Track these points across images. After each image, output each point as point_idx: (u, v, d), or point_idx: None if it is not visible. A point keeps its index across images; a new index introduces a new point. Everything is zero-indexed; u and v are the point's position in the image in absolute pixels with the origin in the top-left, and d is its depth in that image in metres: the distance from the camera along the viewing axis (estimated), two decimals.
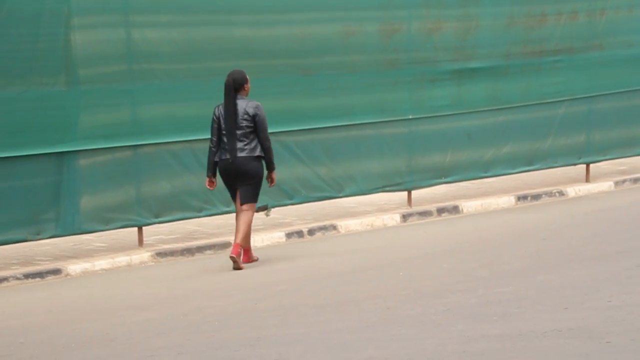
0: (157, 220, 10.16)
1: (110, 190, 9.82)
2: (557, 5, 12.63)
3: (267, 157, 9.07)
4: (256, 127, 8.95)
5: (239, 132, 8.92)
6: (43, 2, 9.35)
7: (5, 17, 9.20)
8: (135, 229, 10.11)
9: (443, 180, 12.07)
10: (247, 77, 9.15)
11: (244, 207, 9.07)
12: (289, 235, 10.61)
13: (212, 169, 9.11)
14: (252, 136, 8.96)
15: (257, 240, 10.36)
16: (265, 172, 9.19)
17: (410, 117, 11.70)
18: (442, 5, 11.76)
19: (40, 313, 8.06)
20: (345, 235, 10.79)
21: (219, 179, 9.24)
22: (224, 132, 8.98)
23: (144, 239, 10.16)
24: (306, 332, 6.70)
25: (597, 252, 8.86)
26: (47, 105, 9.44)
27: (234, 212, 10.61)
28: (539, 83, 12.64)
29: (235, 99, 9.00)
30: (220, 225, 10.87)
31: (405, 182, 11.75)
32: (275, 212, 10.82)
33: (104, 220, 9.83)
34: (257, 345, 6.45)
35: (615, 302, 6.87)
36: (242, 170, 8.97)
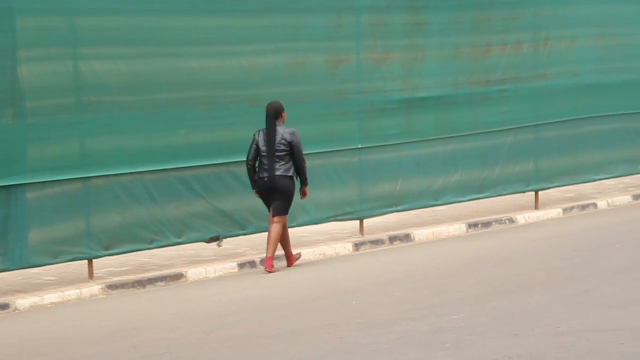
0: (107, 252, 10.07)
1: (59, 223, 9.72)
2: (502, 36, 12.81)
3: (302, 175, 10.30)
4: (293, 150, 10.19)
5: (278, 154, 10.15)
6: None
7: None
8: (86, 262, 10.00)
9: (394, 209, 12.13)
10: (284, 106, 10.28)
11: (275, 219, 10.21)
12: (241, 265, 10.57)
13: (254, 183, 10.29)
14: (287, 158, 10.19)
15: (210, 271, 10.30)
16: (299, 187, 10.32)
17: (360, 146, 11.75)
18: (389, 36, 11.87)
19: None
20: (297, 266, 10.77)
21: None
22: (263, 154, 10.17)
23: (95, 271, 10.06)
24: None
25: (547, 278, 8.94)
26: None
27: (184, 243, 10.62)
28: (487, 112, 12.79)
29: (275, 125, 10.16)
30: (172, 257, 10.80)
31: (356, 211, 11.78)
32: (227, 243, 10.78)
33: (53, 253, 9.72)
34: None
35: (564, 328, 6.93)
36: (276, 186, 10.17)
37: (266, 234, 11.29)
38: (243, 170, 10.86)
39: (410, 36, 12.05)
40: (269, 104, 10.27)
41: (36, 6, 9.54)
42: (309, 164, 11.19)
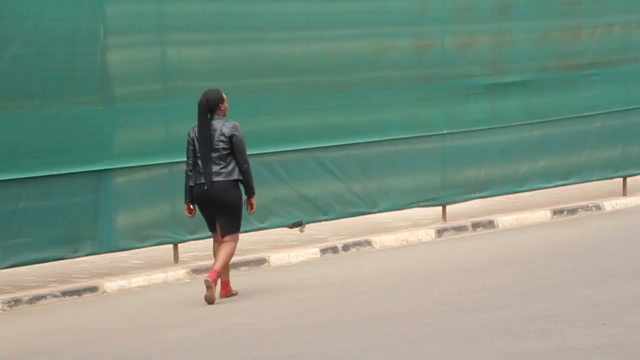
0: (192, 237, 10.20)
1: (146, 208, 9.88)
2: (592, 19, 12.57)
3: (246, 181, 8.44)
4: (233, 149, 8.36)
5: (214, 155, 8.32)
6: (79, 23, 9.46)
7: (42, 38, 9.31)
8: (171, 246, 10.15)
9: (478, 195, 12.02)
10: (224, 96, 8.58)
11: (226, 238, 8.48)
12: (323, 251, 10.60)
13: (190, 194, 8.51)
14: (229, 159, 8.36)
15: (292, 257, 10.37)
16: (245, 198, 8.58)
17: (444, 132, 11.67)
18: (475, 20, 11.75)
19: (78, 331, 8.11)
20: (379, 251, 10.77)
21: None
22: (198, 155, 8.40)
23: (180, 256, 10.21)
24: (342, 349, 6.69)
25: (635, 267, 8.78)
26: (84, 124, 9.53)
27: (267, 228, 10.62)
28: (575, 97, 12.58)
29: (210, 120, 8.41)
30: (255, 242, 10.90)
31: (439, 197, 11.71)
32: (310, 228, 10.82)
33: (140, 237, 9.88)
34: None
35: None
36: (219, 199, 8.36)
37: (348, 219, 11.31)
38: (327, 155, 10.88)
39: (497, 20, 11.90)
40: (203, 94, 8.45)
41: None
42: (392, 149, 11.16)
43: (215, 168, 8.34)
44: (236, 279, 9.76)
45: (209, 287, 8.32)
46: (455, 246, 10.80)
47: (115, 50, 9.61)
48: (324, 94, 10.77)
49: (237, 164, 8.39)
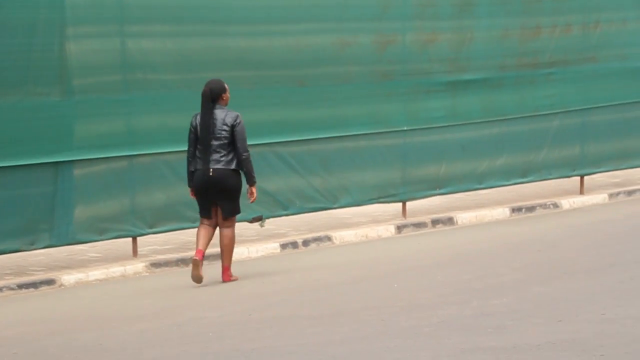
0: (151, 230, 10.15)
1: (104, 201, 9.81)
2: (551, 18, 12.67)
3: (246, 170, 8.74)
4: (234, 138, 8.67)
5: (216, 143, 8.65)
6: (37, 12, 9.35)
7: None
8: (130, 239, 10.09)
9: (437, 191, 12.09)
10: (226, 86, 8.90)
11: (226, 223, 8.84)
12: (283, 246, 10.60)
13: (192, 179, 8.87)
14: (230, 148, 8.68)
15: (252, 251, 10.35)
16: (245, 187, 8.87)
17: (405, 128, 11.71)
18: (436, 17, 11.79)
19: (34, 323, 8.04)
20: (339, 247, 10.79)
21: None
22: (199, 143, 8.74)
23: (139, 249, 10.15)
24: (301, 344, 6.70)
25: (591, 264, 8.87)
26: (42, 116, 9.43)
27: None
28: (533, 95, 12.68)
29: (212, 109, 8.74)
30: (215, 236, 10.86)
31: (399, 193, 11.75)
32: (270, 223, 10.81)
33: (99, 230, 9.81)
34: (252, 356, 6.44)
35: (609, 314, 6.87)
36: (220, 184, 8.69)
37: (308, 215, 11.32)
38: (288, 150, 10.88)
39: (458, 17, 11.96)
40: (206, 84, 8.80)
41: None
42: (353, 144, 11.18)
43: (215, 156, 8.64)
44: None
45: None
46: (415, 242, 10.85)
47: (74, 40, 9.53)
48: (285, 88, 10.76)
49: (237, 152, 8.66)
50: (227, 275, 9.01)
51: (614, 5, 13.24)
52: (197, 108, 10.18)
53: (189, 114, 10.14)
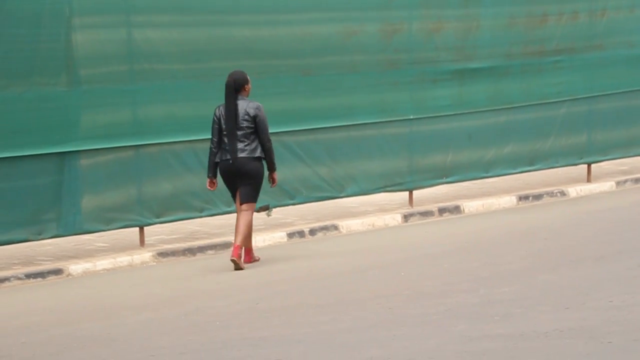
0: (158, 220, 10.16)
1: (111, 190, 9.83)
2: (558, 6, 12.63)
3: (268, 158, 9.11)
4: (257, 128, 8.99)
5: (240, 132, 8.95)
6: (44, 3, 9.36)
7: (5, 18, 9.20)
8: (137, 229, 10.11)
9: (444, 180, 12.07)
10: (248, 77, 9.21)
11: (244, 207, 9.09)
12: (290, 235, 10.61)
13: (213, 169, 9.17)
14: (252, 137, 9.00)
15: (259, 240, 10.36)
16: (267, 173, 9.24)
17: (412, 117, 11.70)
18: (442, 6, 11.76)
19: (42, 313, 8.06)
20: (346, 235, 10.79)
21: (219, 180, 9.25)
22: (224, 133, 9.00)
23: (146, 239, 10.17)
24: (308, 332, 6.70)
25: (599, 252, 8.86)
26: (49, 106, 9.44)
27: (235, 211, 10.62)
28: (540, 83, 12.64)
29: (236, 99, 9.03)
30: (222, 225, 10.87)
31: (406, 182, 11.75)
32: (277, 212, 10.81)
33: (106, 220, 9.83)
34: (259, 345, 6.45)
35: (616, 302, 6.87)
36: (242, 170, 9.00)
37: (314, 204, 11.33)
38: (294, 139, 10.87)
39: (464, 5, 11.93)
40: (229, 75, 9.08)
41: None
42: (359, 133, 11.17)
43: (239, 145, 8.96)
44: (201, 262, 9.74)
45: (236, 263, 8.99)
46: (422, 231, 10.84)
47: (80, 31, 9.53)
48: (292, 77, 10.74)
49: (261, 141, 9.00)
50: (248, 257, 9.28)
51: None
52: (202, 97, 10.19)
53: (195, 104, 10.17)
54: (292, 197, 10.94)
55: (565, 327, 6.24)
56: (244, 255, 9.26)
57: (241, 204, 9.08)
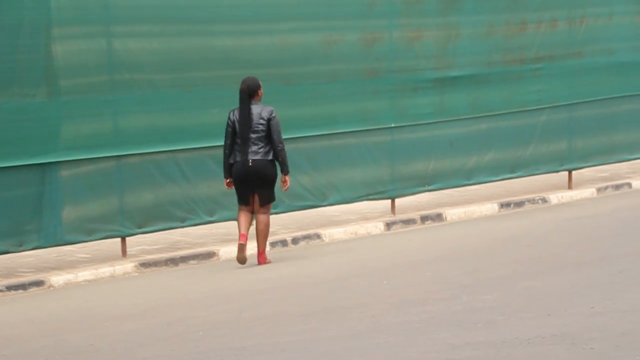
0: (140, 230, 10.14)
1: (92, 201, 9.79)
2: (536, 14, 12.70)
3: (281, 159, 9.43)
4: (270, 130, 9.29)
5: (253, 136, 9.28)
6: (23, 13, 9.33)
7: None
8: (119, 239, 10.08)
9: (426, 188, 12.10)
10: (260, 83, 9.51)
11: (262, 209, 9.47)
12: (273, 244, 10.59)
13: (229, 170, 9.41)
14: (266, 140, 9.34)
15: None
16: (280, 175, 9.52)
17: (393, 125, 11.72)
18: (422, 14, 11.81)
19: (24, 325, 8.02)
20: (329, 244, 10.79)
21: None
22: (238, 136, 9.31)
23: (128, 249, 10.13)
24: (291, 341, 6.70)
25: (580, 258, 8.89)
26: (29, 117, 9.41)
27: (216, 222, 10.62)
28: (521, 91, 12.70)
29: (249, 104, 9.35)
30: (204, 235, 10.85)
31: (388, 190, 11.76)
32: None
33: (87, 231, 9.80)
34: (242, 355, 6.44)
35: (598, 308, 6.89)
36: (259, 173, 9.33)
37: (297, 213, 11.32)
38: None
39: (443, 14, 11.98)
40: (243, 81, 9.44)
41: None
42: (341, 142, 11.19)
43: (253, 148, 9.29)
44: (184, 272, 9.71)
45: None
46: (404, 239, 10.86)
47: (60, 41, 9.50)
48: (273, 86, 10.73)
49: (273, 144, 9.33)
50: (262, 258, 9.53)
51: (599, 0, 13.28)
52: (184, 107, 10.21)
53: (176, 114, 10.17)
54: (275, 206, 10.93)
55: (547, 334, 6.26)
56: (258, 257, 9.55)
57: (261, 206, 9.45)
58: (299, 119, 11.01)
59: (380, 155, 11.67)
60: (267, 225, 9.50)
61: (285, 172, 9.47)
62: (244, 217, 9.46)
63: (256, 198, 9.44)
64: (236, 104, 9.74)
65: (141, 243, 10.55)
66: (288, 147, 10.94)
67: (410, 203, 12.22)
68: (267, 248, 10.51)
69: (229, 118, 9.38)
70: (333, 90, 11.14)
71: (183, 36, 10.22)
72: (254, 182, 9.36)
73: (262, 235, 9.49)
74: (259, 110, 9.35)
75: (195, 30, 10.30)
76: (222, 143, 9.70)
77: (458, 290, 7.84)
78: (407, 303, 7.58)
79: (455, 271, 8.69)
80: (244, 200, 9.46)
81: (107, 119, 9.85)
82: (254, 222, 9.58)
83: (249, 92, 9.40)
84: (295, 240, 10.76)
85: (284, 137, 10.92)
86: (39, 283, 9.33)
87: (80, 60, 9.64)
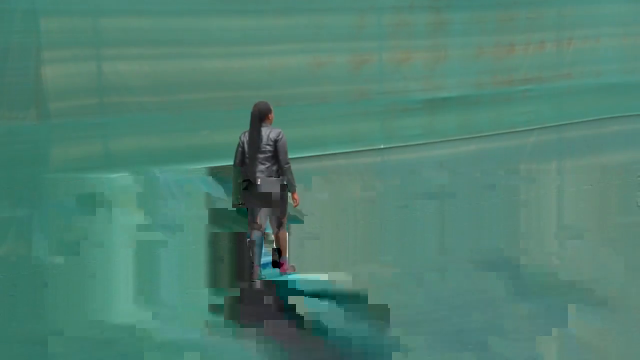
0: None
1: None
2: (525, 35, 12.76)
3: (288, 178, 9.72)
4: (277, 150, 9.63)
5: (261, 156, 9.62)
6: (11, 36, 9.33)
7: None
8: None
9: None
10: (272, 107, 9.77)
11: (278, 224, 9.83)
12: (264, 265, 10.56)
13: (238, 191, 9.68)
14: (273, 160, 9.67)
15: None
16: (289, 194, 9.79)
17: (382, 146, 11.74)
18: (411, 36, 11.86)
19: None
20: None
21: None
22: (247, 156, 9.62)
23: None
24: None
25: (569, 278, 8.88)
26: (18, 140, 9.39)
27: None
28: (510, 112, 12.75)
29: (260, 127, 9.66)
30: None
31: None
32: None
33: None
34: None
35: (590, 329, 6.87)
36: (266, 193, 9.62)
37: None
38: None
39: (432, 36, 12.03)
40: (254, 105, 9.77)
41: (60, 7, 9.59)
42: (332, 163, 11.20)
43: (261, 167, 9.64)
44: None
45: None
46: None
47: (49, 64, 9.50)
48: None
49: (280, 163, 9.67)
50: (284, 269, 9.89)
51: (587, 22, 13.36)
52: (173, 129, 10.24)
53: (167, 136, 10.17)
54: (265, 228, 10.92)
55: (537, 355, 6.24)
56: (280, 267, 9.90)
57: (277, 227, 9.85)
58: (288, 140, 11.00)
59: (370, 176, 11.68)
60: (285, 239, 9.89)
61: (292, 190, 9.77)
62: (256, 235, 9.71)
63: (270, 219, 9.83)
64: (226, 125, 9.77)
65: None
66: None
67: None
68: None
69: (240, 138, 9.69)
70: (322, 111, 11.16)
71: (172, 59, 10.23)
72: (262, 199, 9.65)
73: (282, 249, 9.91)
74: (267, 132, 9.70)
75: (185, 52, 10.32)
76: (212, 165, 9.75)
77: (448, 312, 7.82)
78: (398, 324, 7.55)
79: (446, 292, 8.66)
80: (253, 217, 9.73)
81: (97, 142, 9.84)
82: (266, 235, 9.89)
83: (260, 116, 9.72)
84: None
85: None
86: None
87: (70, 83, 9.64)
